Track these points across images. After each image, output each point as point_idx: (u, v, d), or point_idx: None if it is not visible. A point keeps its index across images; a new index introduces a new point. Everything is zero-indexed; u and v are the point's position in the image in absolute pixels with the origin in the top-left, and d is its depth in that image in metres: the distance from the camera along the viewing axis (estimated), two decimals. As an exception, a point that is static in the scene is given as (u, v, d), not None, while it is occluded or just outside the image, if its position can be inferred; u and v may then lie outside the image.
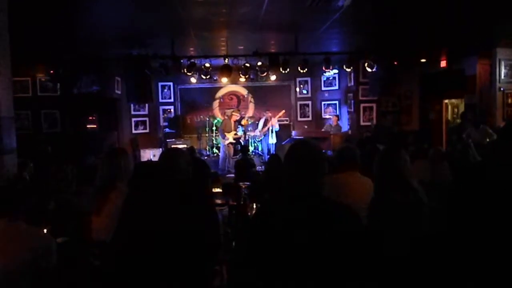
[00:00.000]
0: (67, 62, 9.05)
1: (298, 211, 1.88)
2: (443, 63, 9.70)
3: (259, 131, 11.68)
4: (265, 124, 11.51)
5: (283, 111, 11.70)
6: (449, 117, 10.91)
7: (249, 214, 3.28)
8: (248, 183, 3.78)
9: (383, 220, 2.68)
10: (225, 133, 10.94)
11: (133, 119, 12.08)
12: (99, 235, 2.72)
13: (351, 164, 3.47)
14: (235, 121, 11.22)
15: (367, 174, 3.29)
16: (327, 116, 12.69)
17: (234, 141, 11.12)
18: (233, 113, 11.28)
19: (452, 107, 10.95)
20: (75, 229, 2.88)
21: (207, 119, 12.44)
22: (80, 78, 9.45)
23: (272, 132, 11.29)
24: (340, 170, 3.44)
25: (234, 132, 11.10)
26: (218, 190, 9.15)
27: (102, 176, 2.93)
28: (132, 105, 11.80)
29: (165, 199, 2.34)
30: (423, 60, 10.04)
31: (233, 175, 8.85)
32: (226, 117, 11.79)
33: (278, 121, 11.73)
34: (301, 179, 1.95)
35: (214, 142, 12.20)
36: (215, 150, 11.87)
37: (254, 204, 3.38)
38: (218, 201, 4.43)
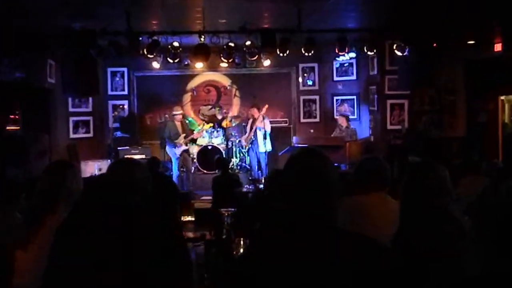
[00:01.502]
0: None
1: (303, 249, 1.88)
2: (497, 47, 9.82)
3: (245, 138, 11.73)
4: (250, 126, 11.57)
5: (266, 105, 11.65)
6: (506, 119, 11.03)
7: (234, 252, 3.27)
8: (232, 209, 3.78)
9: (410, 260, 2.68)
10: (174, 141, 10.98)
11: (72, 118, 12.02)
12: (23, 279, 2.71)
13: (376, 182, 3.52)
14: (180, 121, 11.30)
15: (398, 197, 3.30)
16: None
17: (188, 146, 11.21)
18: (175, 112, 11.35)
19: (511, 105, 11.08)
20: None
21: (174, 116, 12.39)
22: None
23: (265, 138, 11.32)
24: (361, 190, 3.49)
25: (183, 135, 11.18)
26: (190, 218, 9.20)
27: (38, 197, 2.98)
28: (70, 99, 11.74)
29: (111, 230, 2.35)
30: (470, 42, 10.15)
31: (209, 197, 8.86)
32: (167, 118, 11.91)
33: (272, 122, 11.77)
34: (305, 205, 1.95)
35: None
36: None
37: (242, 238, 3.38)
38: (190, 234, 4.42)
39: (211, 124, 12.11)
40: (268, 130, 11.39)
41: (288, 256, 1.89)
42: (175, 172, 11.10)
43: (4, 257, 2.80)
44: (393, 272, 1.89)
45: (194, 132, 11.66)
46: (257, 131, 11.48)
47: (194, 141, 11.54)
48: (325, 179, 1.98)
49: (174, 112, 11.36)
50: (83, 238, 2.35)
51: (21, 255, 2.80)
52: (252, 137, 11.58)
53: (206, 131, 12.00)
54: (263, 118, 11.41)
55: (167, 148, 11.26)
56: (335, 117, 12.62)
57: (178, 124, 11.22)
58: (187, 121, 11.95)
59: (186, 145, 11.26)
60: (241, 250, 3.25)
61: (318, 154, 2.08)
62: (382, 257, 1.90)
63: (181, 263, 2.40)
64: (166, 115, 12.67)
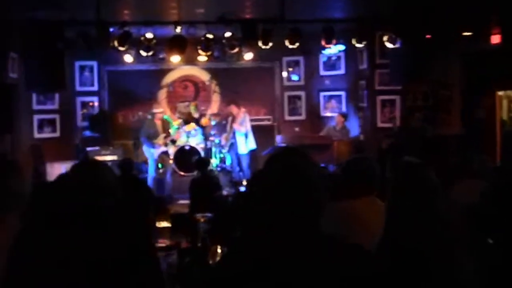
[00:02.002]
0: None
1: (285, 253, 1.88)
2: (495, 38, 9.87)
3: (224, 137, 11.68)
4: (230, 125, 11.52)
5: (243, 109, 11.56)
6: (505, 116, 11.09)
7: (210, 262, 3.23)
8: (208, 214, 3.73)
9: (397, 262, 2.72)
10: (152, 141, 10.90)
11: (36, 116, 11.90)
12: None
13: (365, 185, 3.53)
14: (161, 120, 11.26)
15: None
16: (328, 114, 12.80)
17: (167, 147, 11.16)
18: (155, 110, 11.30)
19: (509, 101, 11.14)
20: None
21: (149, 117, 12.29)
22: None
23: (247, 137, 11.28)
24: (349, 194, 3.50)
25: (163, 135, 11.12)
26: (166, 224, 9.14)
27: None
28: (34, 95, 11.60)
29: (75, 238, 2.31)
30: (466, 34, 10.19)
31: (187, 201, 8.81)
32: (141, 116, 11.85)
33: (254, 120, 11.72)
34: (286, 204, 1.95)
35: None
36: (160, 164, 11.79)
37: (219, 246, 3.33)
38: (165, 242, 4.36)
39: (193, 125, 12.00)
40: (243, 130, 11.32)
41: (269, 261, 1.88)
42: (151, 174, 10.99)
43: None
44: (376, 278, 1.91)
45: (170, 131, 11.56)
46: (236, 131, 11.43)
47: (173, 141, 11.44)
48: (307, 177, 1.98)
49: (155, 110, 11.27)
50: (45, 248, 2.32)
51: None
52: (231, 137, 11.50)
53: (195, 130, 11.91)
54: (242, 117, 11.33)
55: (144, 148, 11.16)
56: (330, 114, 12.66)
57: (158, 122, 11.15)
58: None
59: (166, 146, 11.16)
60: (218, 259, 3.20)
61: (299, 153, 2.08)
62: (365, 263, 1.93)
63: (150, 274, 2.36)
64: (140, 113, 12.57)
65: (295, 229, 1.92)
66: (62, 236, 2.34)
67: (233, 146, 11.61)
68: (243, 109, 11.46)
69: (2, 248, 2.47)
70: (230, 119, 11.59)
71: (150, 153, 11.00)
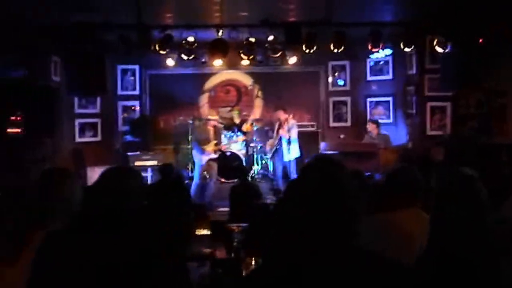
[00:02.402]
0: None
1: (317, 267, 1.86)
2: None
3: (270, 143, 11.58)
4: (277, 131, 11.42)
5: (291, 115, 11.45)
6: None
7: (243, 273, 3.18)
8: (243, 224, 3.67)
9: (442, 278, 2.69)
10: (203, 146, 10.89)
11: (78, 120, 12.08)
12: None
13: (408, 196, 3.46)
14: (213, 126, 11.21)
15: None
16: (376, 121, 12.62)
17: (216, 156, 11.08)
18: (209, 116, 11.32)
19: None
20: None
21: (191, 122, 12.40)
22: (-2, 57, 9.44)
23: (290, 144, 11.17)
24: (391, 205, 3.44)
25: (214, 142, 11.07)
26: (205, 232, 9.13)
27: (27, 209, 2.92)
28: (76, 99, 11.81)
29: (94, 240, 2.34)
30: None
31: (227, 208, 8.79)
32: (198, 122, 11.82)
33: (298, 126, 11.60)
34: (319, 219, 1.92)
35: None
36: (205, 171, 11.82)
37: (253, 258, 3.28)
38: (203, 251, 4.32)
39: (243, 138, 11.99)
40: (293, 136, 11.20)
41: (301, 270, 1.86)
42: (195, 180, 11.02)
43: None
44: None
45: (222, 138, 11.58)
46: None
47: (221, 151, 11.42)
48: (342, 187, 1.96)
49: (210, 117, 11.28)
50: (66, 254, 2.35)
51: (9, 270, 2.75)
52: (276, 144, 11.42)
53: (225, 136, 11.92)
54: (290, 123, 11.22)
55: (194, 152, 11.17)
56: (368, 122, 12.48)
57: (210, 129, 11.13)
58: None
59: (215, 153, 11.14)
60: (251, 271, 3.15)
61: (335, 162, 2.08)
62: (399, 277, 1.89)
63: (164, 280, 2.37)
64: (181, 117, 12.66)
65: (328, 239, 1.90)
66: (81, 238, 2.37)
67: (277, 153, 11.49)
68: (290, 116, 11.32)
69: None
70: (277, 124, 11.46)
71: (199, 158, 11.01)
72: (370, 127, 11.53)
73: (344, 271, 1.84)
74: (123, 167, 2.69)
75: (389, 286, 1.84)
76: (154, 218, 2.64)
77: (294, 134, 11.18)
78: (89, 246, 2.33)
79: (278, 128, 11.33)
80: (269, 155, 11.83)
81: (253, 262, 3.28)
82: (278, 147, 11.37)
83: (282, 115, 11.24)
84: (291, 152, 11.09)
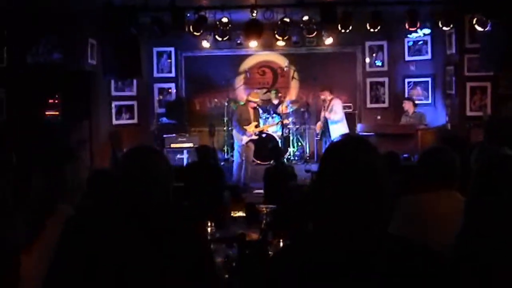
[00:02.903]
0: (17, 17, 9.16)
1: (346, 258, 1.79)
2: None
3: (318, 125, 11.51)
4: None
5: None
6: None
7: (270, 256, 3.16)
8: (272, 206, 3.64)
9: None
10: (243, 127, 10.86)
11: (115, 103, 12.17)
12: (28, 284, 2.69)
13: (443, 178, 3.36)
14: (254, 108, 11.21)
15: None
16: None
17: (256, 137, 11.04)
18: (250, 97, 11.24)
19: None
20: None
21: (226, 104, 12.45)
22: (35, 42, 9.57)
23: (335, 123, 11.06)
24: (426, 187, 3.36)
25: (255, 123, 11.04)
26: (240, 214, 9.19)
27: (36, 195, 2.94)
28: (113, 82, 11.89)
29: (122, 231, 2.28)
30: None
31: (262, 190, 8.80)
32: (217, 103, 11.79)
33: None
34: (347, 206, 1.82)
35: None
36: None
37: (281, 240, 3.25)
38: (237, 232, 4.32)
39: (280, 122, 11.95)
40: (337, 117, 11.12)
41: (327, 265, 1.80)
42: (236, 160, 11.07)
43: (14, 260, 2.80)
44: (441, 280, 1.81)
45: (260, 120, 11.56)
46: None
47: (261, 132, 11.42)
48: (370, 171, 1.83)
49: (251, 98, 11.25)
50: (91, 240, 2.30)
51: (25, 258, 2.78)
52: (322, 125, 11.36)
53: (261, 117, 11.90)
54: (332, 104, 11.15)
55: (234, 133, 11.25)
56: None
57: (251, 110, 11.15)
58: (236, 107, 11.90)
59: (256, 135, 11.16)
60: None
61: (363, 143, 1.93)
62: (439, 270, 1.81)
63: (205, 279, 2.32)
64: (216, 99, 12.71)
65: (356, 223, 1.81)
66: (113, 223, 2.34)
67: (324, 134, 11.42)
68: (332, 96, 11.28)
69: (55, 237, 2.51)
70: (325, 105, 11.39)
71: (239, 138, 11.04)
72: (406, 105, 11.38)
73: (373, 257, 1.78)
74: (147, 147, 2.61)
75: (422, 273, 1.78)
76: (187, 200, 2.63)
77: (339, 114, 11.15)
78: (116, 231, 2.31)
79: (324, 110, 11.32)
80: (318, 137, 11.74)
81: (281, 244, 3.25)
82: (324, 129, 11.34)
83: (327, 95, 11.24)
84: (336, 133, 11.02)
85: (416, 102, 12.12)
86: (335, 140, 2.03)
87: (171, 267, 2.24)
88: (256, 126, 11.12)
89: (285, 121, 11.98)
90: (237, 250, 3.24)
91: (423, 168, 3.45)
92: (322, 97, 11.40)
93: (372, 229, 1.81)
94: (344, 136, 2.07)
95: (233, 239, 3.36)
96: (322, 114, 11.31)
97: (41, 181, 2.94)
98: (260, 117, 11.84)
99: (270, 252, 3.19)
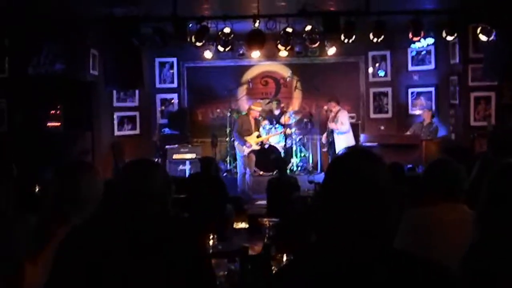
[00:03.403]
0: (18, 27, 9.14)
1: (348, 273, 1.75)
2: None
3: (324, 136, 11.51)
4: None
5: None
6: None
7: (273, 270, 3.09)
8: (275, 219, 3.57)
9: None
10: (244, 138, 10.81)
11: (117, 114, 12.16)
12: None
13: (450, 191, 3.32)
14: (255, 118, 11.22)
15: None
16: (417, 112, 12.43)
17: (258, 148, 10.99)
18: (253, 106, 11.25)
19: None
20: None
21: (228, 114, 12.40)
22: (38, 52, 9.55)
23: (341, 134, 11.06)
24: (432, 200, 3.32)
25: (257, 133, 10.97)
26: (243, 225, 9.12)
27: (47, 204, 2.93)
28: (115, 92, 11.89)
29: (117, 242, 2.29)
30: None
31: (264, 201, 8.73)
32: (219, 113, 11.99)
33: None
34: (350, 220, 1.78)
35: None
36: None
37: (285, 254, 3.18)
38: (245, 245, 4.25)
39: (282, 130, 11.93)
40: (344, 128, 11.12)
41: (331, 282, 1.76)
42: (240, 171, 11.01)
43: (19, 270, 2.79)
44: None
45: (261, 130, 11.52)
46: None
47: (262, 143, 11.37)
48: (374, 184, 1.80)
49: (254, 108, 11.25)
50: (87, 254, 2.32)
51: (30, 268, 2.76)
52: (328, 136, 11.39)
53: (263, 128, 11.86)
54: (338, 115, 11.17)
55: (236, 144, 11.23)
56: (410, 112, 12.40)
57: (252, 120, 11.14)
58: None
59: (257, 145, 11.12)
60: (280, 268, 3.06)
61: (368, 155, 1.89)
62: (443, 284, 1.78)
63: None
64: (218, 110, 12.70)
65: (359, 239, 1.78)
66: (102, 233, 2.35)
67: (331, 145, 11.41)
68: (339, 107, 11.33)
69: None
70: (330, 116, 11.41)
71: (240, 149, 11.00)
72: (425, 114, 11.33)
73: (376, 270, 1.74)
74: (146, 161, 2.62)
75: (425, 286, 1.74)
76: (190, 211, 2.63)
77: (345, 126, 11.16)
78: (110, 241, 2.32)
79: (331, 121, 11.34)
80: (325, 148, 11.75)
81: (284, 259, 3.18)
82: (331, 139, 11.32)
83: (334, 107, 11.28)
84: (342, 143, 11.01)
85: (418, 112, 12.10)
86: (340, 153, 1.99)
87: (167, 277, 2.23)
88: (258, 136, 11.07)
89: (288, 131, 11.91)
90: (239, 264, 3.18)
91: (429, 181, 3.41)
92: (325, 107, 11.40)
93: (376, 241, 1.77)
94: (349, 148, 2.03)
95: (235, 253, 3.30)
96: (330, 125, 11.29)
97: (55, 190, 2.93)
98: (263, 128, 11.81)
99: (273, 267, 3.12)
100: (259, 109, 11.36)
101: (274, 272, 3.01)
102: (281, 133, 11.85)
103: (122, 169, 2.52)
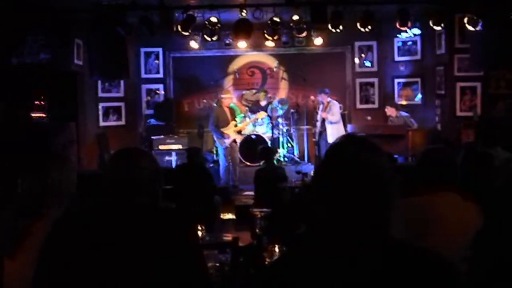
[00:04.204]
0: (1, 16, 9.02)
1: (348, 264, 1.72)
2: None
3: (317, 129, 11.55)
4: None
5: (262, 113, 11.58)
6: None
7: (267, 262, 3.05)
8: (267, 210, 3.52)
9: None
10: (222, 130, 10.76)
11: (102, 104, 12.04)
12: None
13: (444, 179, 3.29)
14: (229, 107, 11.18)
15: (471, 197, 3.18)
16: (403, 102, 12.49)
17: (240, 136, 11.03)
18: (224, 95, 11.24)
19: None
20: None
21: (215, 105, 12.32)
22: (21, 41, 9.44)
23: (332, 124, 11.13)
24: (426, 189, 3.28)
25: (234, 123, 10.96)
26: (230, 216, 9.08)
27: (21, 199, 2.88)
28: (100, 83, 11.77)
29: (109, 239, 2.24)
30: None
31: (253, 192, 8.69)
32: (212, 104, 11.89)
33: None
34: (349, 209, 1.76)
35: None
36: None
37: (277, 245, 3.14)
38: (228, 236, 4.20)
39: (264, 113, 11.89)
40: (335, 118, 11.26)
41: (330, 271, 1.73)
42: (222, 164, 10.95)
43: None
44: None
45: (236, 119, 11.44)
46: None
47: (239, 132, 11.31)
48: (374, 172, 1.77)
49: (222, 95, 11.21)
50: (77, 248, 2.28)
51: (8, 263, 2.72)
52: (320, 126, 11.48)
53: (249, 118, 11.81)
54: (330, 106, 11.31)
55: (215, 137, 11.16)
56: (397, 102, 12.34)
57: (227, 110, 11.10)
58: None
59: (238, 134, 11.08)
60: (274, 259, 3.03)
61: (366, 142, 1.86)
62: (450, 274, 1.77)
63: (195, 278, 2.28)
64: (205, 100, 12.64)
65: (359, 229, 1.75)
66: (99, 228, 2.32)
67: (322, 135, 11.47)
68: (330, 98, 11.45)
69: (36, 247, 2.44)
70: (320, 107, 11.52)
71: (221, 142, 10.94)
72: (389, 111, 11.38)
73: (377, 263, 1.72)
74: (134, 149, 2.57)
75: (426, 276, 1.72)
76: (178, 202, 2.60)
77: (336, 116, 11.30)
78: (103, 235, 2.29)
79: (323, 111, 11.43)
80: (316, 138, 11.76)
81: (276, 250, 3.14)
82: (322, 129, 11.41)
83: (325, 98, 11.36)
84: (334, 133, 11.06)
85: (405, 102, 12.13)
86: (337, 141, 1.94)
87: (158, 269, 2.20)
88: (235, 126, 11.02)
89: (260, 115, 11.89)
90: (231, 256, 3.14)
91: (422, 169, 3.37)
92: (313, 98, 11.43)
93: (375, 230, 1.75)
94: (346, 136, 1.98)
95: (226, 244, 3.27)
96: (320, 115, 11.37)
97: (27, 184, 2.88)
98: (248, 117, 11.77)
99: (265, 258, 3.09)
100: (229, 95, 11.40)
101: (269, 264, 2.99)
102: (258, 117, 11.80)
103: (110, 158, 2.48)
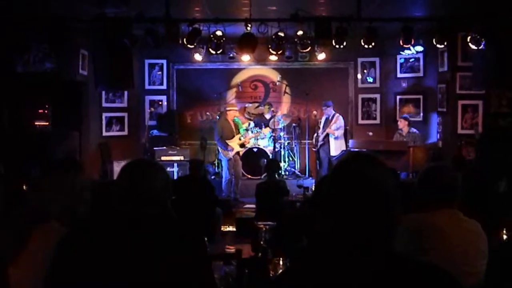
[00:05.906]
0: (7, 25, 9.06)
1: (352, 278, 1.74)
2: None
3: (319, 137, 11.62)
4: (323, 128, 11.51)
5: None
6: None
7: (271, 275, 3.06)
8: (271, 223, 3.55)
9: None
10: (227, 142, 10.80)
11: (105, 114, 12.09)
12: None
13: (446, 197, 3.29)
14: (233, 120, 11.29)
15: (475, 215, 3.21)
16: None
17: (243, 150, 11.05)
18: (229, 108, 11.34)
19: None
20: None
21: (217, 117, 12.39)
22: (27, 50, 9.49)
23: (337, 139, 11.25)
24: (428, 206, 3.29)
25: (239, 135, 10.99)
26: (230, 228, 9.10)
27: (30, 204, 2.88)
28: (104, 93, 11.83)
29: (120, 248, 2.26)
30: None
31: (253, 205, 8.71)
32: (215, 117, 12.01)
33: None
34: (355, 225, 1.78)
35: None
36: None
37: (281, 258, 3.16)
38: (230, 248, 4.24)
39: (268, 129, 11.94)
40: (339, 132, 11.44)
41: (334, 286, 1.75)
42: (225, 176, 10.97)
43: (2, 272, 2.73)
44: None
45: (240, 132, 11.50)
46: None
47: (242, 146, 11.35)
48: (379, 188, 1.80)
49: (228, 108, 11.27)
50: (90, 257, 2.29)
51: (13, 270, 2.71)
52: (322, 139, 11.64)
53: (252, 132, 11.85)
54: (337, 121, 11.47)
55: (220, 149, 11.21)
56: (398, 119, 12.30)
57: (231, 122, 11.21)
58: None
59: (241, 147, 11.12)
60: (279, 272, 3.05)
61: (372, 159, 1.89)
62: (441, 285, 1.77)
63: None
64: (208, 113, 12.66)
65: (364, 245, 1.77)
66: (104, 237, 2.33)
67: (323, 148, 11.62)
68: (335, 112, 11.64)
69: (46, 250, 2.47)
70: (323, 120, 11.74)
71: (225, 154, 10.97)
72: (401, 123, 11.39)
73: (380, 276, 1.73)
74: (146, 161, 2.59)
75: None
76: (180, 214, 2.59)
77: (340, 131, 11.51)
78: (113, 245, 2.30)
79: (324, 125, 11.57)
80: (316, 149, 11.89)
81: (281, 263, 3.16)
82: (322, 142, 11.57)
83: (331, 111, 11.60)
84: (337, 147, 11.21)
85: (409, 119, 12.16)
86: (344, 158, 1.98)
87: (169, 279, 2.22)
88: (240, 139, 11.07)
89: (264, 131, 11.96)
90: (236, 268, 3.16)
91: (424, 187, 3.37)
92: (315, 112, 11.47)
93: (379, 245, 1.77)
94: (353, 153, 2.03)
95: (232, 256, 3.29)
96: (325, 130, 11.48)
97: (35, 191, 2.91)
98: (252, 131, 11.80)
99: (270, 271, 3.11)
100: (235, 108, 11.46)
101: (275, 277, 3.00)
102: (263, 132, 11.85)
103: (121, 170, 2.46)
